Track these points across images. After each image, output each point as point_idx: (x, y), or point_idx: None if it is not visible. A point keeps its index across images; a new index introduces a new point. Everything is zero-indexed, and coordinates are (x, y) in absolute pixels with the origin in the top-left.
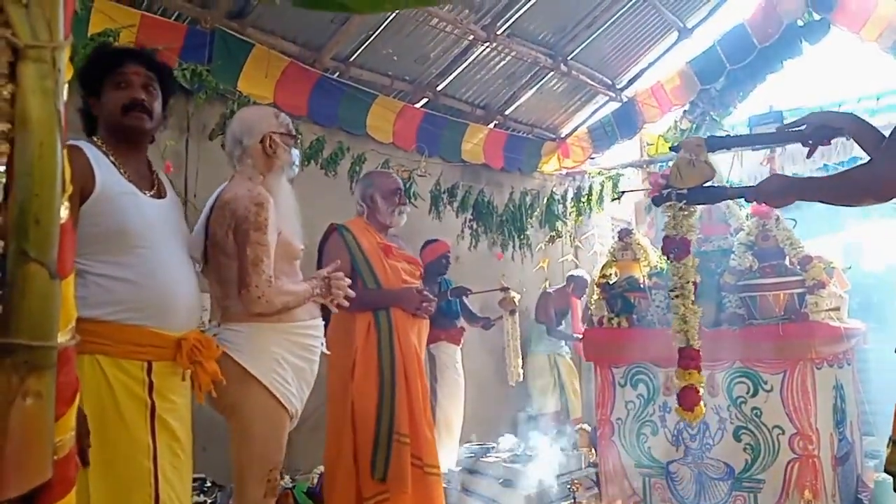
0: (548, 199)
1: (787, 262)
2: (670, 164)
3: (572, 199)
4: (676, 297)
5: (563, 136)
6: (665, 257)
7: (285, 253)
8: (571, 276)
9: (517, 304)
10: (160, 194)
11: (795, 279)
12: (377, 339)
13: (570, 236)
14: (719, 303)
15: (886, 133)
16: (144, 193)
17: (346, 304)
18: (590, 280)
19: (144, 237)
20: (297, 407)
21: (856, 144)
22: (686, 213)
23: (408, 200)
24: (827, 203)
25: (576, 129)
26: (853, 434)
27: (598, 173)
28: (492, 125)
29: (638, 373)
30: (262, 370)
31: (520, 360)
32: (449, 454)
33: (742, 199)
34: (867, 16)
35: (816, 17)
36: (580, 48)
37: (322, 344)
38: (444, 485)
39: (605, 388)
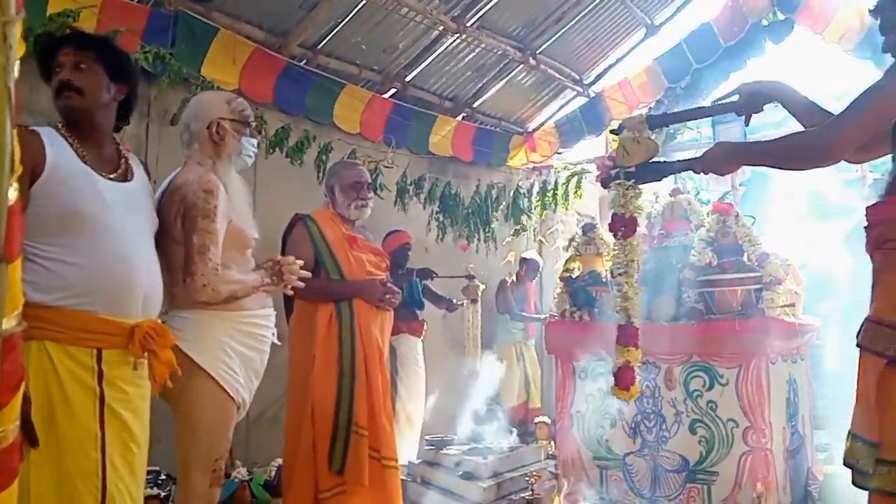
0: (514, 193)
1: (745, 258)
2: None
3: (538, 193)
4: (620, 274)
5: (530, 130)
6: (612, 235)
7: (236, 241)
8: (523, 258)
9: (480, 293)
10: (126, 177)
11: (753, 275)
12: (338, 330)
13: (535, 231)
14: (679, 298)
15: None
16: (104, 176)
17: (302, 285)
18: (541, 263)
19: (100, 220)
20: (245, 397)
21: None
22: (634, 192)
23: (371, 193)
24: (771, 167)
25: (543, 123)
26: (805, 428)
27: (565, 168)
28: (460, 117)
29: (598, 366)
30: (207, 359)
31: (479, 350)
32: (410, 447)
33: (693, 176)
34: (830, 17)
35: (781, 16)
36: (549, 42)
37: (273, 334)
38: (404, 477)
39: (565, 380)
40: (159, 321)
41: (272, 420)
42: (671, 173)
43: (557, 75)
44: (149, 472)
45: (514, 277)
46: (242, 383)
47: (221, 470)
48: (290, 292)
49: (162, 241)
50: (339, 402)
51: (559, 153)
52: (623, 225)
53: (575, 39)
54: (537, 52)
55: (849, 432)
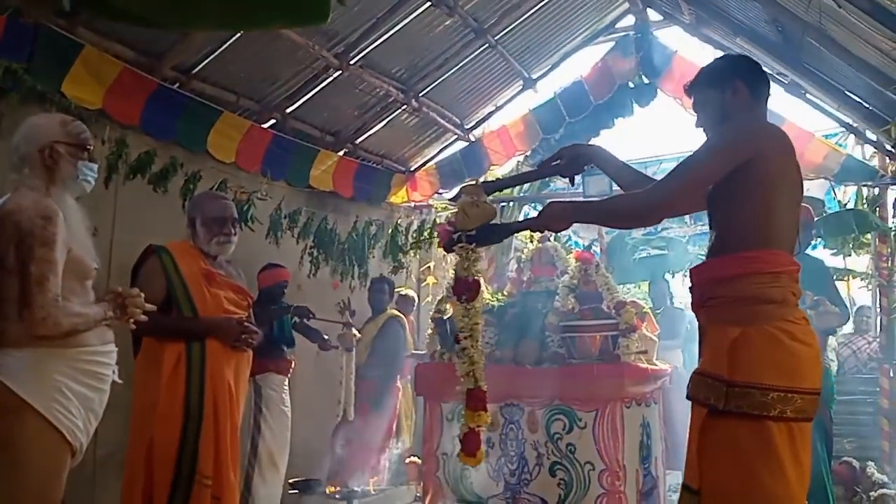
0: (392, 231)
1: (604, 305)
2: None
3: (415, 232)
4: (466, 338)
5: (412, 169)
6: (456, 299)
7: (75, 272)
8: (400, 295)
9: (355, 342)
10: None
11: (610, 322)
12: (186, 371)
13: (409, 269)
14: (542, 342)
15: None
16: None
17: (145, 318)
18: (416, 300)
19: None
20: (83, 441)
21: None
22: (475, 256)
23: (236, 229)
24: (602, 224)
25: (425, 163)
26: (657, 469)
27: (444, 208)
28: (341, 153)
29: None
30: (41, 401)
31: (352, 398)
32: (273, 490)
33: (532, 232)
34: None
35: (646, 80)
36: (431, 87)
37: (114, 372)
38: None
39: (432, 422)
40: None
41: (121, 463)
42: (510, 234)
43: (439, 118)
44: None
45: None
46: (80, 427)
47: None
48: (133, 326)
49: None
50: (183, 447)
51: (439, 193)
52: (467, 289)
53: (456, 86)
54: (420, 94)
55: (682, 482)
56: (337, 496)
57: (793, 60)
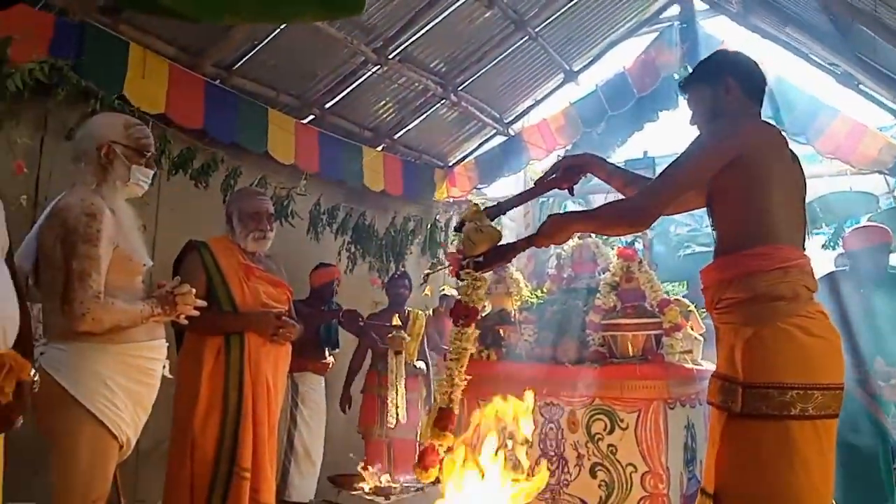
0: (430, 227)
1: (647, 304)
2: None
3: (455, 228)
4: (453, 360)
5: (450, 164)
6: (453, 321)
7: (124, 269)
8: (444, 295)
9: (405, 345)
10: None
11: (654, 321)
12: (225, 365)
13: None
14: (583, 340)
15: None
16: None
17: (196, 314)
18: None
19: None
20: (130, 435)
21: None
22: (479, 283)
23: (271, 225)
24: (597, 232)
25: (464, 158)
26: (702, 472)
27: (483, 204)
28: (380, 148)
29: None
30: (86, 394)
31: (404, 402)
32: (309, 482)
33: (531, 247)
34: None
35: (691, 72)
36: (470, 80)
37: (164, 367)
38: None
39: (470, 419)
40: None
41: (165, 455)
42: (515, 254)
43: (478, 113)
44: None
45: (430, 312)
46: (127, 420)
47: None
48: (185, 322)
49: (42, 267)
50: (222, 441)
51: (478, 188)
52: (465, 314)
53: (496, 79)
54: (459, 88)
55: (699, 489)
56: (374, 492)
57: (845, 50)
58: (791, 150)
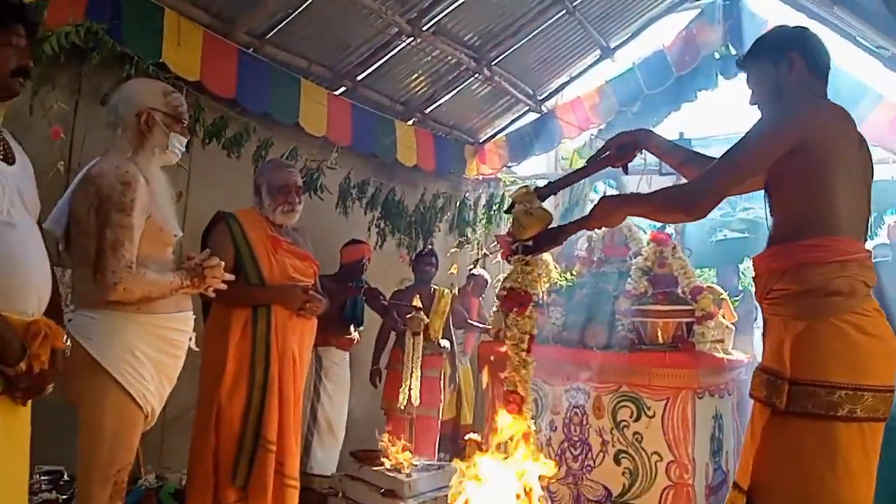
0: (459, 204)
1: (679, 290)
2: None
3: (484, 206)
4: (514, 345)
5: (481, 140)
6: (507, 310)
7: (155, 239)
8: (471, 274)
9: (423, 326)
10: (7, 160)
11: (685, 308)
12: (252, 338)
13: (479, 243)
14: (612, 325)
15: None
16: None
17: (224, 287)
18: (489, 279)
19: None
20: (154, 405)
21: None
22: (529, 269)
23: (300, 198)
24: (649, 218)
25: (494, 135)
26: (728, 464)
27: (513, 182)
28: (411, 122)
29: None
30: (113, 362)
31: (418, 384)
32: (331, 455)
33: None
34: None
35: (733, 51)
36: (504, 55)
37: (190, 339)
38: (325, 490)
39: (494, 401)
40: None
41: (189, 424)
42: (567, 237)
43: (511, 89)
44: (51, 473)
45: (455, 291)
46: (152, 390)
47: (124, 483)
48: (213, 295)
49: (74, 234)
50: (248, 413)
51: (508, 166)
52: (520, 301)
53: (530, 54)
54: (492, 63)
55: (733, 481)
56: (395, 468)
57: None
58: (860, 134)
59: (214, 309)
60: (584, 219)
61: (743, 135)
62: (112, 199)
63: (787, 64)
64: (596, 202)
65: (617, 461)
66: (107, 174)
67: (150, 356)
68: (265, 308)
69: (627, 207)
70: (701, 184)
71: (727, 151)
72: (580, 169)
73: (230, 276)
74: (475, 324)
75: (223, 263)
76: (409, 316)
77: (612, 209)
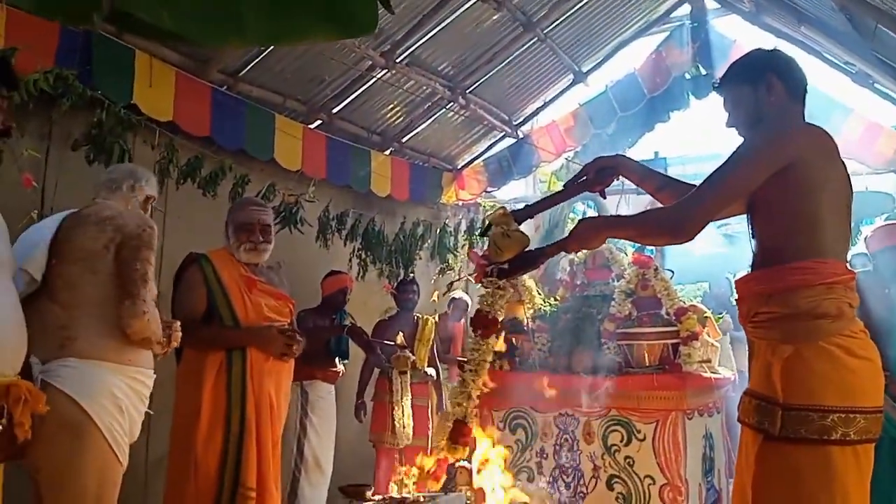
0: (440, 231)
1: (663, 312)
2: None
3: (465, 231)
4: (470, 371)
5: (459, 167)
6: (473, 332)
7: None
8: (453, 298)
9: (409, 365)
10: None
11: (670, 330)
12: (227, 382)
13: (461, 269)
14: (598, 349)
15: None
16: None
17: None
18: (469, 303)
19: None
20: (125, 464)
21: None
22: (501, 292)
23: (268, 235)
24: (634, 240)
25: (472, 161)
26: (720, 482)
27: (493, 206)
28: (388, 152)
29: (517, 417)
30: (104, 418)
31: (411, 422)
32: (319, 492)
33: (564, 253)
34: None
35: (703, 72)
36: (479, 83)
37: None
38: None
39: (484, 430)
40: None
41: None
42: (545, 260)
43: (487, 115)
44: None
45: (436, 317)
46: (124, 448)
47: None
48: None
49: (67, 275)
50: (226, 460)
51: (487, 191)
52: (485, 324)
53: (504, 81)
54: (467, 91)
55: None
56: (386, 502)
57: (862, 50)
58: (841, 157)
59: (186, 353)
60: (562, 241)
61: (728, 157)
62: (141, 237)
63: (765, 86)
64: (575, 224)
65: (610, 486)
66: (128, 216)
67: (128, 411)
68: (240, 351)
69: (609, 230)
70: (688, 206)
71: (713, 174)
72: (557, 192)
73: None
74: (459, 359)
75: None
76: (394, 356)
77: (593, 232)
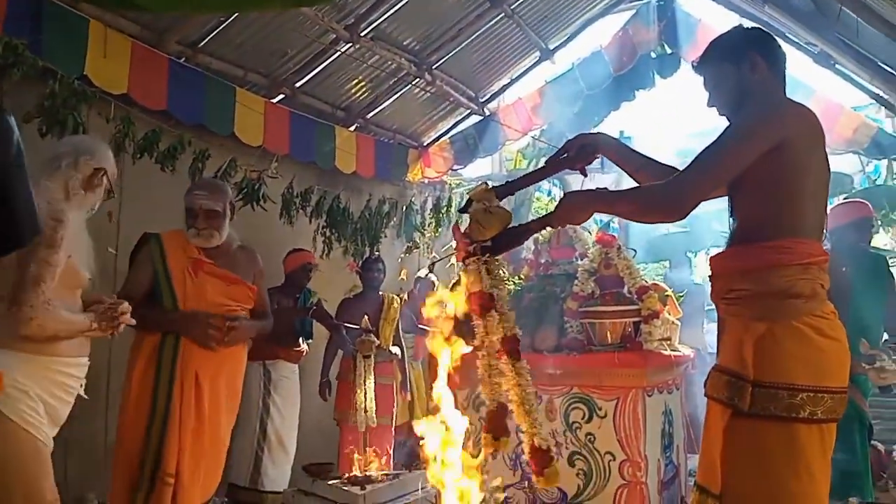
0: (406, 209)
1: (625, 290)
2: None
3: (431, 209)
4: (485, 356)
5: (424, 144)
6: (473, 314)
7: (69, 280)
8: (418, 277)
9: (374, 349)
10: None
11: (632, 308)
12: (157, 366)
13: (428, 248)
14: (561, 328)
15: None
16: None
17: (132, 322)
18: (436, 282)
19: None
20: (50, 444)
21: None
22: (491, 268)
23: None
24: (621, 216)
25: (438, 138)
26: (679, 457)
27: (459, 185)
28: (353, 128)
29: (479, 395)
30: (10, 404)
31: (373, 406)
32: (282, 470)
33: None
34: None
35: (668, 51)
36: (445, 59)
37: (81, 386)
38: None
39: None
40: None
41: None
42: (528, 236)
43: (453, 92)
44: None
45: (405, 295)
46: (47, 432)
47: None
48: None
49: None
50: (147, 445)
51: (454, 169)
52: (483, 305)
53: (471, 58)
54: (433, 67)
55: (695, 482)
56: (349, 481)
57: (824, 30)
58: (823, 136)
59: (135, 334)
60: (548, 216)
61: (720, 134)
62: (44, 234)
63: (748, 64)
64: (561, 198)
65: (571, 463)
66: (40, 208)
67: (42, 398)
68: (174, 335)
69: (598, 205)
70: (682, 184)
71: (705, 151)
72: (539, 169)
73: (132, 321)
74: (425, 328)
75: (125, 303)
76: (359, 340)
77: (581, 207)
